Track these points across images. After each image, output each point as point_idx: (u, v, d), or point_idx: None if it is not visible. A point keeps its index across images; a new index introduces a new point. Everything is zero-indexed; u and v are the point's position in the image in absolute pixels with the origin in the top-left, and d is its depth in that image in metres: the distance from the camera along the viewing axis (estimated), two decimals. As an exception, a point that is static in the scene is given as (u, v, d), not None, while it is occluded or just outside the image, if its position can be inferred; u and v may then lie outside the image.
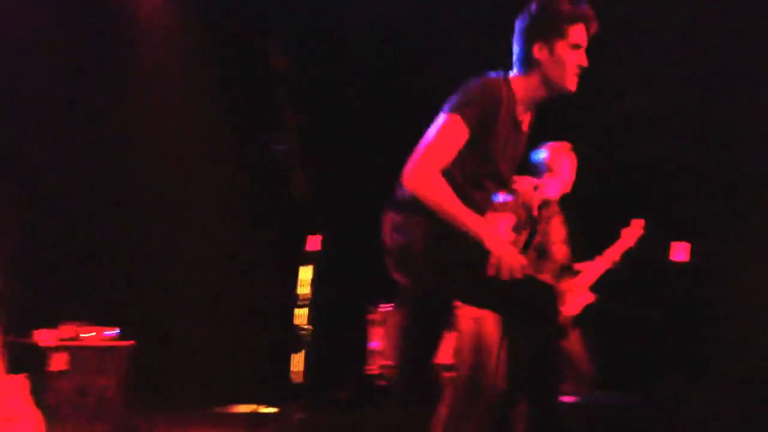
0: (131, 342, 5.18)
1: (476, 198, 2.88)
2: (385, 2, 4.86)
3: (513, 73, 2.91)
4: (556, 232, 4.71)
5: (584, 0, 2.83)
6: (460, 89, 2.83)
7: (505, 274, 2.65)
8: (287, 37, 3.53)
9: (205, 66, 5.63)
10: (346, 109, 5.62)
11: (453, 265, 2.80)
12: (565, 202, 4.79)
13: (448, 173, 2.79)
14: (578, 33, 2.80)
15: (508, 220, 4.46)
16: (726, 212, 7.26)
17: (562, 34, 2.78)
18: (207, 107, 5.69)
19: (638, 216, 5.12)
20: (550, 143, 4.76)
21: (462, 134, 2.77)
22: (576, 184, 4.76)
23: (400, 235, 2.82)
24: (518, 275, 2.67)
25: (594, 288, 4.94)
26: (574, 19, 2.80)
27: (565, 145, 4.78)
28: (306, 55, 4.75)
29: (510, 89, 2.84)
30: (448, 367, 4.36)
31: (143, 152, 5.91)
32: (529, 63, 2.84)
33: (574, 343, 4.73)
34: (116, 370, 5.04)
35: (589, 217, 5.24)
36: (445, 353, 4.36)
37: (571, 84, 2.85)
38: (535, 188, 4.50)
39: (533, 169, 4.61)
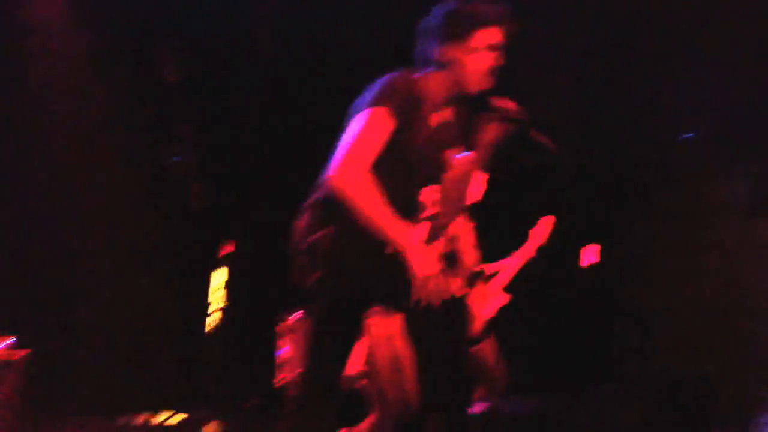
0: (28, 351, 4.95)
1: (399, 203, 2.80)
2: (281, 11, 4.72)
3: (422, 72, 2.87)
4: (467, 240, 4.67)
5: (501, 1, 2.84)
6: (375, 86, 2.75)
7: (430, 301, 2.62)
8: (181, 48, 3.36)
9: (100, 78, 5.39)
10: (250, 118, 5.47)
11: (365, 272, 2.77)
12: (474, 208, 4.75)
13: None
14: (492, 35, 2.81)
15: (422, 229, 4.41)
16: (625, 215, 7.46)
17: (475, 36, 2.79)
18: (104, 119, 5.46)
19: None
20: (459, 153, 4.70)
21: (387, 127, 2.71)
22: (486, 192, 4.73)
23: (311, 239, 2.76)
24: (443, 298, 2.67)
25: (508, 289, 4.93)
26: (488, 22, 2.80)
27: (474, 156, 4.74)
28: (205, 66, 4.59)
29: (420, 88, 2.80)
30: (360, 377, 4.30)
31: (42, 162, 5.65)
32: (441, 62, 2.83)
33: (487, 347, 4.71)
34: (11, 380, 4.82)
35: (498, 222, 5.23)
36: (356, 363, 4.29)
37: (485, 83, 2.86)
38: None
39: None
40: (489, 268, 4.91)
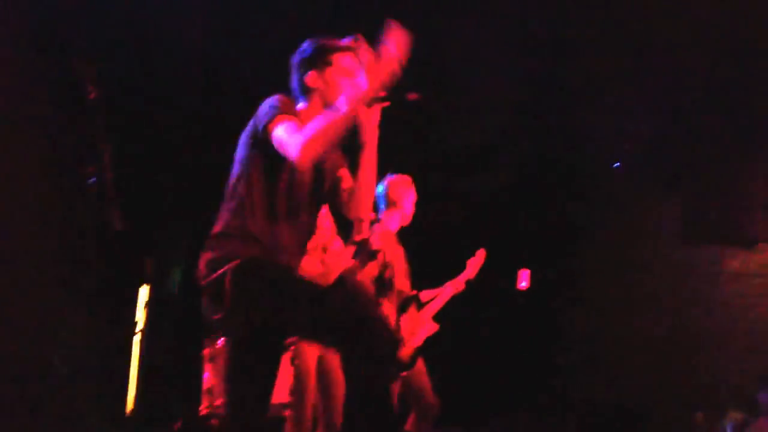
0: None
1: (284, 224, 2.90)
2: (202, 31, 4.64)
3: (299, 105, 3.06)
4: (398, 265, 4.63)
5: (354, 36, 3.09)
6: (262, 107, 2.89)
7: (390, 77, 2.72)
8: (101, 65, 3.24)
9: (16, 95, 5.18)
10: (171, 136, 5.34)
11: (274, 303, 2.76)
12: (406, 234, 4.72)
13: (257, 204, 2.85)
14: (347, 61, 3.07)
15: (347, 253, 4.35)
16: (558, 241, 7.52)
17: (329, 63, 3.05)
18: (21, 138, 5.24)
19: (477, 245, 5.13)
20: (390, 176, 4.69)
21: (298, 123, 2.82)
22: (415, 216, 4.71)
23: (219, 271, 2.75)
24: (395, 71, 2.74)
25: (436, 318, 4.90)
26: (341, 49, 3.07)
27: (405, 178, 4.73)
28: (123, 84, 4.46)
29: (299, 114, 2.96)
30: (285, 407, 4.20)
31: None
32: (307, 91, 3.06)
33: (418, 375, 4.65)
34: None
35: (430, 248, 5.21)
36: (280, 392, 4.19)
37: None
38: (374, 222, 4.40)
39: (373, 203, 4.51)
40: (422, 295, 4.87)
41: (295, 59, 3.11)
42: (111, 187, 3.32)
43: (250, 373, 2.93)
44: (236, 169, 2.94)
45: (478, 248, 5.10)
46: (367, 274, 4.40)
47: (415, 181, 4.75)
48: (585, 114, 6.56)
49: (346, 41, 3.07)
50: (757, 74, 6.38)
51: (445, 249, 5.41)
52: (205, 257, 2.83)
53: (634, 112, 6.61)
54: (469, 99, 5.93)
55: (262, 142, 2.83)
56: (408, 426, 4.67)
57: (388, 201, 4.67)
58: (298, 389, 4.23)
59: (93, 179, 3.33)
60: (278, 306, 2.77)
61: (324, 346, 4.13)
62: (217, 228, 2.87)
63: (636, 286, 7.41)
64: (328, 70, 3.05)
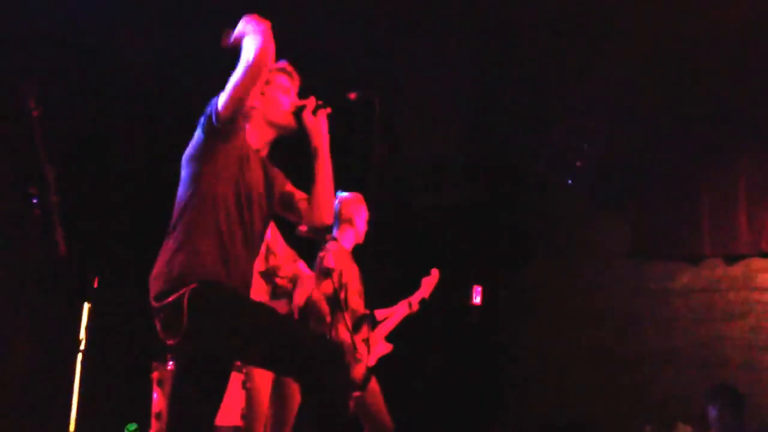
0: None
1: (235, 229, 2.90)
2: (153, 47, 4.58)
3: None
4: (353, 284, 4.59)
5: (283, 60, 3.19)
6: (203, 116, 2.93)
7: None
8: (45, 83, 3.16)
9: None
10: (117, 155, 5.23)
11: (228, 328, 2.75)
12: (360, 251, 4.70)
13: (206, 221, 2.84)
14: (282, 80, 3.18)
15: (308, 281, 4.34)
16: (515, 255, 7.56)
17: (267, 81, 3.10)
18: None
19: (428, 261, 5.14)
20: (342, 194, 4.66)
21: None
22: (368, 233, 4.69)
23: (172, 296, 2.72)
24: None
25: (389, 338, 4.88)
26: (277, 70, 3.17)
27: (357, 196, 4.72)
28: (72, 99, 4.37)
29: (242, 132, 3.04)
30: (236, 430, 4.13)
31: None
32: (244, 109, 3.04)
33: (372, 395, 4.61)
34: None
35: (383, 265, 5.18)
36: (231, 415, 4.11)
37: (288, 119, 3.15)
38: (328, 239, 4.37)
39: None
40: (376, 314, 4.85)
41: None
42: (55, 208, 3.23)
43: (197, 398, 2.91)
44: (183, 188, 2.93)
45: (429, 264, 5.10)
46: (322, 291, 4.37)
47: (366, 199, 4.73)
48: (537, 131, 6.62)
49: (278, 63, 3.14)
50: (704, 93, 6.52)
51: (396, 266, 5.39)
52: (158, 280, 2.80)
53: (585, 130, 6.69)
54: (421, 115, 5.95)
55: (212, 136, 2.87)
56: None
57: (342, 219, 4.65)
58: (249, 413, 4.17)
59: (35, 200, 3.24)
60: (234, 334, 2.74)
61: (279, 375, 4.09)
62: (169, 247, 2.84)
63: (586, 302, 7.48)
64: (267, 88, 3.11)
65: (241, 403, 4.15)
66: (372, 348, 4.67)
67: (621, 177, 7.16)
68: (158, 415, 4.06)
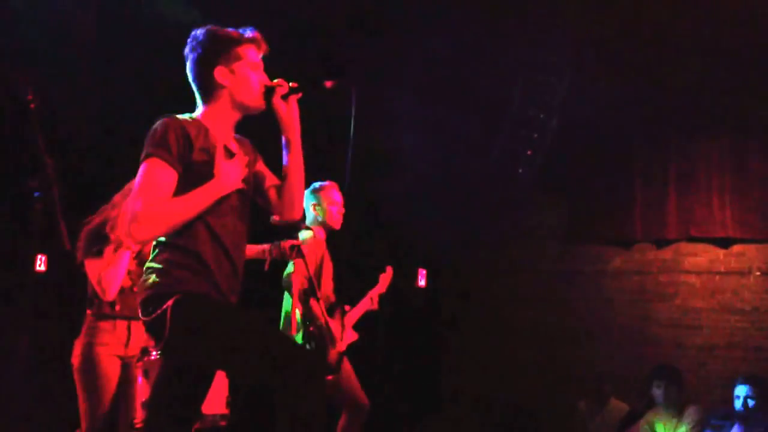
0: None
1: (219, 234, 2.75)
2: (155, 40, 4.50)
3: (199, 109, 2.86)
4: (326, 271, 4.69)
5: (251, 28, 2.89)
6: (151, 129, 2.70)
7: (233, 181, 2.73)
8: (45, 74, 3.12)
9: None
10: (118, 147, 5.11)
11: (213, 335, 2.68)
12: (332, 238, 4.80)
13: (191, 228, 2.69)
14: (252, 53, 2.86)
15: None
16: (454, 244, 7.74)
17: (238, 56, 2.81)
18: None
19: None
20: (318, 183, 4.74)
21: (169, 175, 2.66)
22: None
23: (162, 305, 2.65)
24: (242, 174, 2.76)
25: (355, 327, 4.99)
26: (245, 41, 2.85)
27: (332, 184, 4.79)
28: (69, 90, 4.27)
29: (200, 124, 2.78)
30: (222, 417, 4.18)
31: None
32: (212, 89, 2.82)
33: (346, 377, 4.72)
34: None
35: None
36: (217, 403, 4.16)
37: (259, 101, 2.86)
38: (302, 228, 4.44)
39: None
40: (349, 307, 4.96)
41: (195, 52, 2.82)
42: (56, 202, 3.20)
43: (179, 392, 2.86)
44: None
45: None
46: (301, 272, 4.39)
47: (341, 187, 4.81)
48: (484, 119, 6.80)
49: (247, 32, 2.86)
50: (640, 81, 6.81)
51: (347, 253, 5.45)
52: (145, 290, 2.72)
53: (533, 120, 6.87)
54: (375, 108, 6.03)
55: None
56: (339, 429, 4.74)
57: (317, 207, 4.72)
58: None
59: (37, 193, 3.20)
60: (212, 350, 2.69)
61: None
62: (155, 259, 2.75)
63: (524, 284, 7.75)
64: (237, 65, 2.81)
65: (226, 391, 4.20)
66: (344, 334, 4.78)
67: (557, 163, 7.39)
68: (144, 404, 4.07)
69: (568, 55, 6.54)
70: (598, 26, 6.29)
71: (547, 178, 7.49)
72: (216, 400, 4.08)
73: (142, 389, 4.05)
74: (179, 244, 2.72)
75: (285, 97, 2.87)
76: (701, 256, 7.24)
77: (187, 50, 2.83)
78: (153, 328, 2.70)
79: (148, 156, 2.65)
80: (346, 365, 4.77)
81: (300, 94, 2.89)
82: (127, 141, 3.50)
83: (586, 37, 6.38)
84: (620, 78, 6.77)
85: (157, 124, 2.71)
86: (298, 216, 3.02)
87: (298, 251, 4.30)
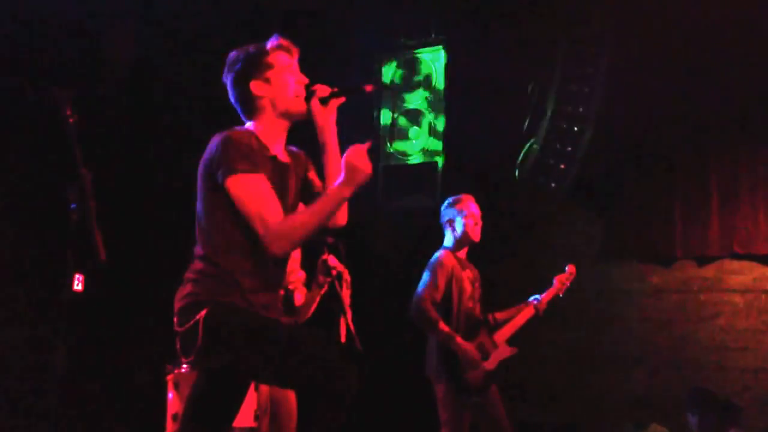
0: None
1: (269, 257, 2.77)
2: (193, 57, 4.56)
3: (248, 125, 2.93)
4: (463, 287, 4.64)
5: (275, 36, 2.97)
6: (215, 150, 2.76)
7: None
8: (81, 88, 3.17)
9: None
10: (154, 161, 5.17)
11: (246, 347, 2.72)
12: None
13: (232, 243, 2.75)
14: (283, 59, 2.93)
15: None
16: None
17: (270, 65, 2.89)
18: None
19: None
20: (451, 197, 4.70)
21: (266, 183, 2.74)
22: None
23: (194, 317, 2.72)
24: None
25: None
26: (272, 49, 2.93)
27: (467, 197, 4.74)
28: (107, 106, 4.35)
29: (253, 134, 2.84)
30: (249, 431, 4.18)
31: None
32: (253, 103, 2.90)
33: (492, 401, 4.67)
34: None
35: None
36: (245, 416, 4.16)
37: (300, 104, 2.92)
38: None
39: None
40: (497, 317, 4.95)
41: (229, 75, 2.93)
42: (93, 215, 3.24)
43: (213, 404, 2.89)
44: (200, 203, 2.86)
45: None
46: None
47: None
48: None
49: (272, 41, 2.93)
50: (678, 95, 6.71)
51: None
52: (180, 300, 2.78)
53: (563, 133, 6.78)
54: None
55: (223, 189, 2.73)
56: None
57: (455, 221, 4.74)
58: (262, 414, 4.22)
59: (73, 205, 3.25)
60: (248, 355, 2.71)
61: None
62: (195, 266, 2.81)
63: (557, 303, 7.58)
64: (271, 73, 2.89)
65: (253, 404, 4.20)
66: (492, 352, 4.66)
67: (593, 178, 7.26)
68: (174, 417, 4.09)
69: (605, 63, 6.46)
70: (637, 37, 6.24)
71: (581, 193, 7.36)
72: (244, 413, 4.08)
73: (172, 402, 4.07)
74: (214, 255, 2.76)
75: (325, 102, 2.90)
76: (745, 273, 7.01)
77: (223, 77, 2.94)
78: (185, 339, 2.74)
79: (233, 172, 2.69)
80: (493, 389, 4.64)
81: (342, 99, 2.93)
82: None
83: (623, 46, 6.31)
84: (660, 89, 6.68)
85: (221, 140, 2.76)
86: (342, 222, 3.03)
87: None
